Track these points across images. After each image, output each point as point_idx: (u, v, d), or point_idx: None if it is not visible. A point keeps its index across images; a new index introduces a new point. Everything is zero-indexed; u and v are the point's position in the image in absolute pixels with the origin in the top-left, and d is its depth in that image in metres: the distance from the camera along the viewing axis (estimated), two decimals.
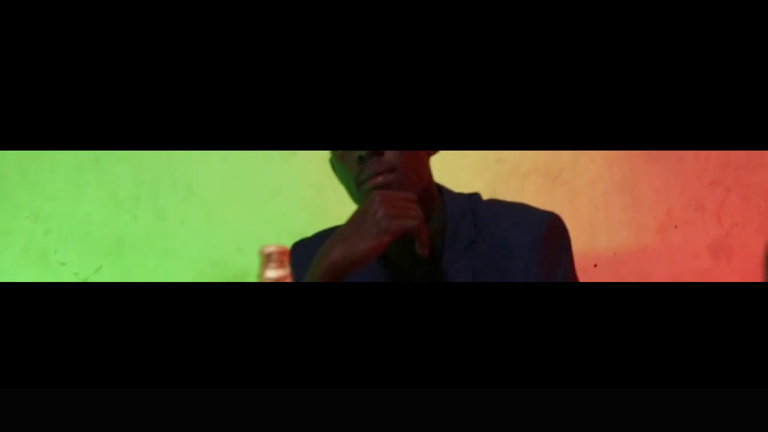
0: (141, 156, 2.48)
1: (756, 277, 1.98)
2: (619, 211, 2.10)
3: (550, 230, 1.54)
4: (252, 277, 2.31)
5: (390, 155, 1.47)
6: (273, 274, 1.06)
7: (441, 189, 1.61)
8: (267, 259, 1.07)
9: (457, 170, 2.06)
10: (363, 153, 1.46)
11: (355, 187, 1.50)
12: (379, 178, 1.46)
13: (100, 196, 2.53)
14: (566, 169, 2.11)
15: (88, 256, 2.54)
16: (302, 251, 1.53)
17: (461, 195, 1.62)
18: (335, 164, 1.55)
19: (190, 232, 2.48)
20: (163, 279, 2.49)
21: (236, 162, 2.43)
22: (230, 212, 2.46)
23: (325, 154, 1.63)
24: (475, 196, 1.62)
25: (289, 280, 1.07)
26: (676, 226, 2.06)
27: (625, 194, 2.10)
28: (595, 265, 2.09)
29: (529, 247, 1.51)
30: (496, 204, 1.62)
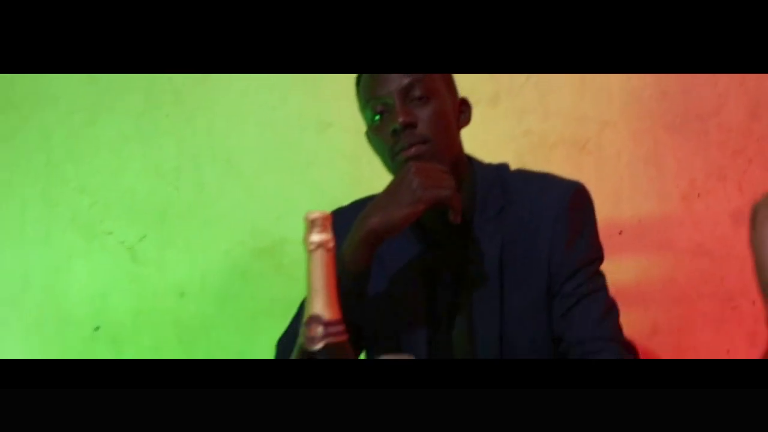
0: (182, 130, 2.56)
1: None
2: (644, 180, 2.15)
3: (575, 199, 1.61)
4: (289, 245, 2.39)
5: (422, 128, 1.54)
6: (317, 238, 1.14)
7: (471, 159, 1.68)
8: (312, 224, 1.15)
9: (486, 142, 2.12)
10: (397, 126, 1.54)
11: (390, 158, 1.57)
12: (413, 149, 1.54)
13: (144, 168, 2.61)
14: (592, 140, 2.16)
15: (133, 225, 2.63)
16: (340, 219, 1.60)
17: (490, 165, 1.69)
18: (371, 136, 1.63)
19: (230, 203, 2.55)
20: (202, 247, 2.58)
21: (273, 134, 2.50)
22: (268, 183, 2.52)
23: (359, 127, 1.70)
24: (503, 166, 1.69)
25: (331, 244, 1.16)
26: (699, 195, 2.11)
27: (650, 164, 2.15)
28: (620, 233, 2.15)
29: (555, 215, 1.58)
30: (523, 174, 1.69)
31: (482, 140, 2.06)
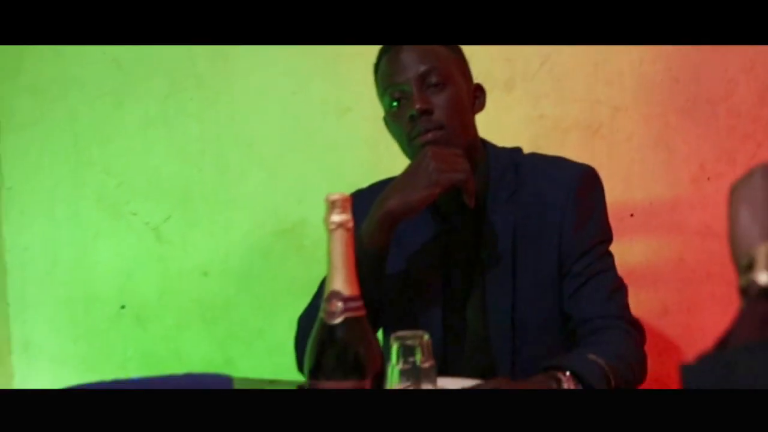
0: (205, 114, 2.63)
1: None
2: (655, 164, 2.17)
3: (584, 182, 1.67)
4: (309, 226, 2.45)
5: (438, 114, 1.60)
6: (337, 218, 1.20)
7: (485, 143, 1.73)
8: (332, 205, 1.21)
9: (501, 126, 2.16)
10: (414, 112, 1.59)
11: (407, 142, 1.63)
12: (429, 135, 1.59)
13: (168, 151, 2.70)
14: (605, 124, 2.20)
15: (158, 206, 2.72)
16: (359, 201, 1.65)
17: (504, 149, 1.74)
18: (389, 122, 1.68)
19: (252, 185, 2.63)
20: (225, 228, 2.66)
21: (294, 119, 2.56)
22: (289, 166, 2.58)
23: (378, 112, 1.75)
24: (516, 150, 1.75)
25: (351, 224, 1.22)
26: (708, 179, 2.14)
27: (660, 149, 2.17)
28: (632, 215, 2.19)
29: (565, 198, 1.63)
30: (536, 157, 1.74)
31: (498, 124, 2.11)
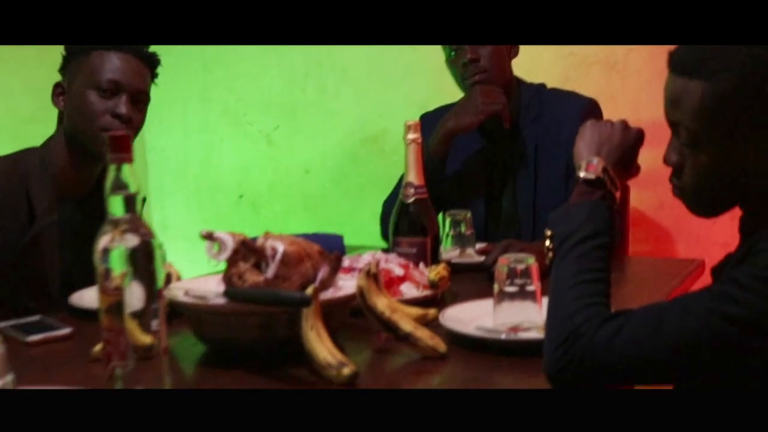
0: (309, 46, 3.08)
1: None
2: (658, 92, 2.46)
3: (588, 109, 2.20)
4: (389, 135, 2.99)
5: (484, 62, 2.17)
6: (411, 136, 1.84)
7: (519, 81, 2.30)
8: (408, 128, 1.85)
9: (539, 61, 2.66)
10: (466, 60, 2.16)
11: (461, 81, 2.21)
12: (477, 77, 2.17)
13: (278, 74, 3.20)
14: (620, 61, 2.69)
15: (269, 117, 3.25)
16: (427, 120, 2.23)
17: (532, 84, 2.30)
18: (449, 66, 2.25)
19: (344, 102, 3.12)
20: (323, 136, 3.15)
21: (378, 50, 3.01)
22: (373, 88, 3.05)
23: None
24: (541, 86, 2.31)
25: (420, 140, 1.85)
26: None
27: (663, 80, 2.65)
28: None
29: (573, 120, 2.14)
30: (555, 91, 2.31)
31: (537, 59, 2.66)
